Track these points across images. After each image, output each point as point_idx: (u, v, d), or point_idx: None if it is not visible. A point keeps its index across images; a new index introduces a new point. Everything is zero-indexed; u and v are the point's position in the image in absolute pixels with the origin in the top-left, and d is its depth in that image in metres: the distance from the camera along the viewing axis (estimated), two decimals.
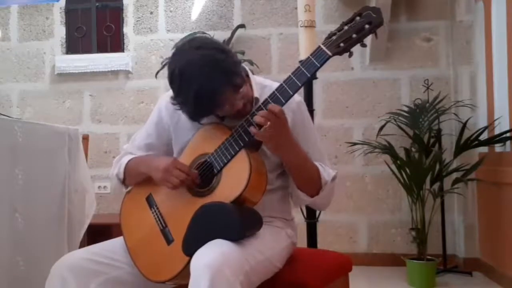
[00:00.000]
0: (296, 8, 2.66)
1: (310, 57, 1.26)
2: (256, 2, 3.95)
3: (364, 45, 1.25)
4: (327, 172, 1.43)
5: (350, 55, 1.27)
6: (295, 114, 1.45)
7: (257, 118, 1.26)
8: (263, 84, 1.49)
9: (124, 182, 1.53)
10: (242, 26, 3.86)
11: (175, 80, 1.30)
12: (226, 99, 1.29)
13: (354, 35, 1.24)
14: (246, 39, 3.87)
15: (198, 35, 1.41)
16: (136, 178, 1.49)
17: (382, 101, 3.76)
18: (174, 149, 1.53)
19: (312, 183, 1.40)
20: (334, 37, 1.25)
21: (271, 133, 1.26)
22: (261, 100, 1.38)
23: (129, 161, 1.51)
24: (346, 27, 1.25)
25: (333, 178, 1.44)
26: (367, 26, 1.23)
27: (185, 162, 1.40)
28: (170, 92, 1.56)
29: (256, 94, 1.43)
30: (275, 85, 1.46)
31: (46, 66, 4.17)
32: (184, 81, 1.28)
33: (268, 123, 1.24)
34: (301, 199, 1.44)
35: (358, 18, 1.25)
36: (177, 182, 1.33)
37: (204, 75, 1.25)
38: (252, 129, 1.28)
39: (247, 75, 1.45)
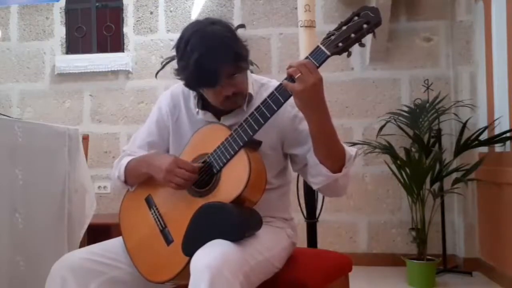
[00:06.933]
0: (296, 8, 2.66)
1: (309, 56, 1.26)
2: (256, 2, 3.95)
3: (362, 45, 1.25)
4: (349, 148, 1.38)
5: (349, 55, 1.27)
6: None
7: (289, 69, 1.25)
8: (260, 82, 1.49)
9: (126, 183, 1.52)
10: (242, 26, 3.84)
11: (181, 45, 1.33)
12: (223, 76, 1.30)
13: (352, 35, 1.24)
14: (246, 39, 3.85)
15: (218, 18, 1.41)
16: (138, 179, 1.48)
17: (382, 101, 3.76)
18: (172, 148, 1.53)
19: (336, 156, 1.33)
20: (332, 37, 1.25)
21: (301, 86, 1.21)
22: (255, 97, 1.41)
23: (129, 162, 1.50)
24: (344, 27, 1.25)
25: (355, 156, 1.39)
26: (365, 25, 1.23)
27: None
28: (170, 91, 1.57)
29: (250, 90, 1.43)
30: (273, 82, 1.47)
31: (46, 66, 4.16)
32: (190, 46, 1.30)
33: (299, 74, 1.22)
34: (323, 175, 1.32)
35: (356, 18, 1.25)
36: (182, 182, 1.32)
37: (210, 47, 1.29)
38: (284, 81, 1.26)
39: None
